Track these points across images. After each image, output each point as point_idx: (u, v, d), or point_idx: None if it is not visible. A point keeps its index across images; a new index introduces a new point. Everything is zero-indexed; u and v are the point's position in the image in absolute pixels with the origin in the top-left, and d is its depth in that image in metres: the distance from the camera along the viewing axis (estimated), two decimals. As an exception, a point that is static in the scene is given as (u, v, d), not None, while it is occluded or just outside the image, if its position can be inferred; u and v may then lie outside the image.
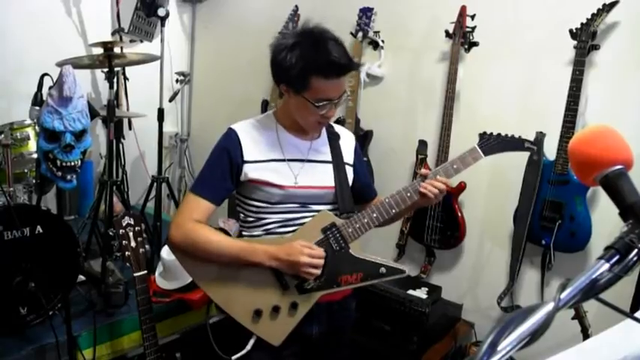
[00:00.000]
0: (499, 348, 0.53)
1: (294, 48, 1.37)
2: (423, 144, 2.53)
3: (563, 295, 0.58)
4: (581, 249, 2.13)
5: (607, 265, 0.62)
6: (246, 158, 1.47)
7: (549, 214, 2.15)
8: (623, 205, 0.68)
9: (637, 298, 1.89)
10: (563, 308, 0.58)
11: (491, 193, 2.47)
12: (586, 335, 1.78)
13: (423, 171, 1.50)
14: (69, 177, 1.63)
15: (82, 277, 2.09)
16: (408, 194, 1.48)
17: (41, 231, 1.80)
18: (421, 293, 2.30)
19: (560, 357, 0.82)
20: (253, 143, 1.49)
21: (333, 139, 1.60)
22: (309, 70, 1.36)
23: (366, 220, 1.48)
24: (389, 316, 2.28)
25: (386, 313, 2.29)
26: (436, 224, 2.45)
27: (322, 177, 1.54)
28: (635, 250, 0.62)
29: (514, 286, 2.35)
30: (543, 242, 2.19)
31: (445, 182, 1.49)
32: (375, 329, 2.30)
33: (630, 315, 0.65)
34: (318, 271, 1.42)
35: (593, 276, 0.61)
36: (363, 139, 2.73)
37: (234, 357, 1.47)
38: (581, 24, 2.02)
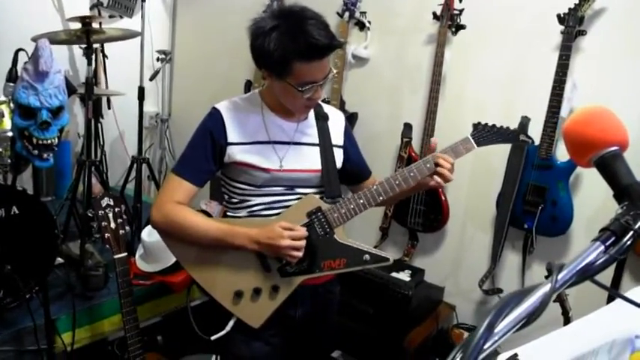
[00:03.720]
0: (496, 330, 0.52)
1: (272, 32, 1.29)
2: (408, 127, 2.52)
3: (560, 276, 0.57)
4: (562, 233, 2.16)
5: (602, 247, 0.61)
6: (230, 140, 1.43)
7: (532, 199, 2.16)
8: (619, 187, 0.67)
9: (616, 282, 1.93)
10: (560, 290, 0.57)
11: (475, 177, 2.48)
12: (567, 319, 1.81)
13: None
14: (45, 155, 1.57)
15: (60, 260, 2.04)
16: (397, 182, 1.44)
17: (17, 212, 1.74)
18: (404, 276, 2.31)
19: (543, 340, 0.82)
20: (238, 124, 1.45)
21: (322, 120, 1.56)
22: (290, 55, 1.29)
23: (352, 206, 1.44)
24: (372, 299, 2.29)
25: (369, 296, 2.30)
26: (420, 207, 2.46)
27: (308, 160, 1.50)
28: (631, 232, 0.61)
29: (495, 269, 2.38)
30: (525, 226, 2.21)
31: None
32: (357, 311, 2.30)
33: (622, 295, 0.65)
34: (299, 254, 1.39)
35: (589, 258, 0.60)
36: (348, 121, 2.69)
37: (213, 337, 1.46)
38: (569, 9, 2.02)
